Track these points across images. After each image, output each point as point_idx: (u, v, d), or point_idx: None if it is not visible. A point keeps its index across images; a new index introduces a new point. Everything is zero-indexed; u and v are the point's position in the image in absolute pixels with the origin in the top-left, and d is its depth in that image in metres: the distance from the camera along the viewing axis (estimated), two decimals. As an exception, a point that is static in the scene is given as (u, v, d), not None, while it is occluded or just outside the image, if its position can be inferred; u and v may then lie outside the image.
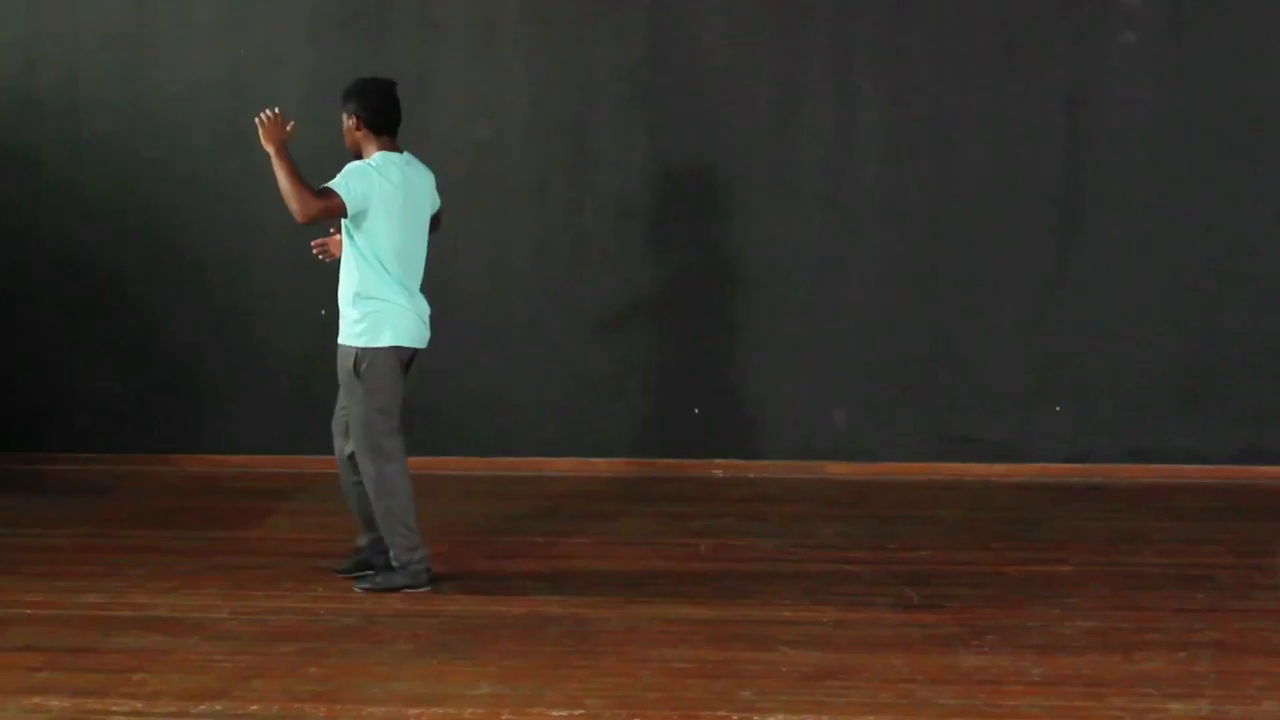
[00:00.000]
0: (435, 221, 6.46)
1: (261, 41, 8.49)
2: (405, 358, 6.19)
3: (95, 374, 8.69)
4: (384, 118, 6.16)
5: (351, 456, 6.27)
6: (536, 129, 8.50)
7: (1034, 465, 8.43)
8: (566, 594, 6.10)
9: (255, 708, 4.81)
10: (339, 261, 6.26)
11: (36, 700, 4.86)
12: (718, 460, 8.56)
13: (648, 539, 7.11)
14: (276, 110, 6.06)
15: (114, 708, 4.81)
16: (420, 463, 8.28)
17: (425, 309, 6.25)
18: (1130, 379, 8.44)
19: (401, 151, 6.20)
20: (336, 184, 5.96)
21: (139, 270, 8.62)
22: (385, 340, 6.08)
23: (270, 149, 5.98)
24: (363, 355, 6.07)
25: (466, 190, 8.43)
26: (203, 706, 4.81)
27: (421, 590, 6.12)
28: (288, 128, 6.04)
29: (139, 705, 4.83)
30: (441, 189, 8.06)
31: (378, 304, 6.07)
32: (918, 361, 8.51)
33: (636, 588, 6.20)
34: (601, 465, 8.54)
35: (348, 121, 6.17)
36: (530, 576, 6.38)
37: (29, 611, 5.84)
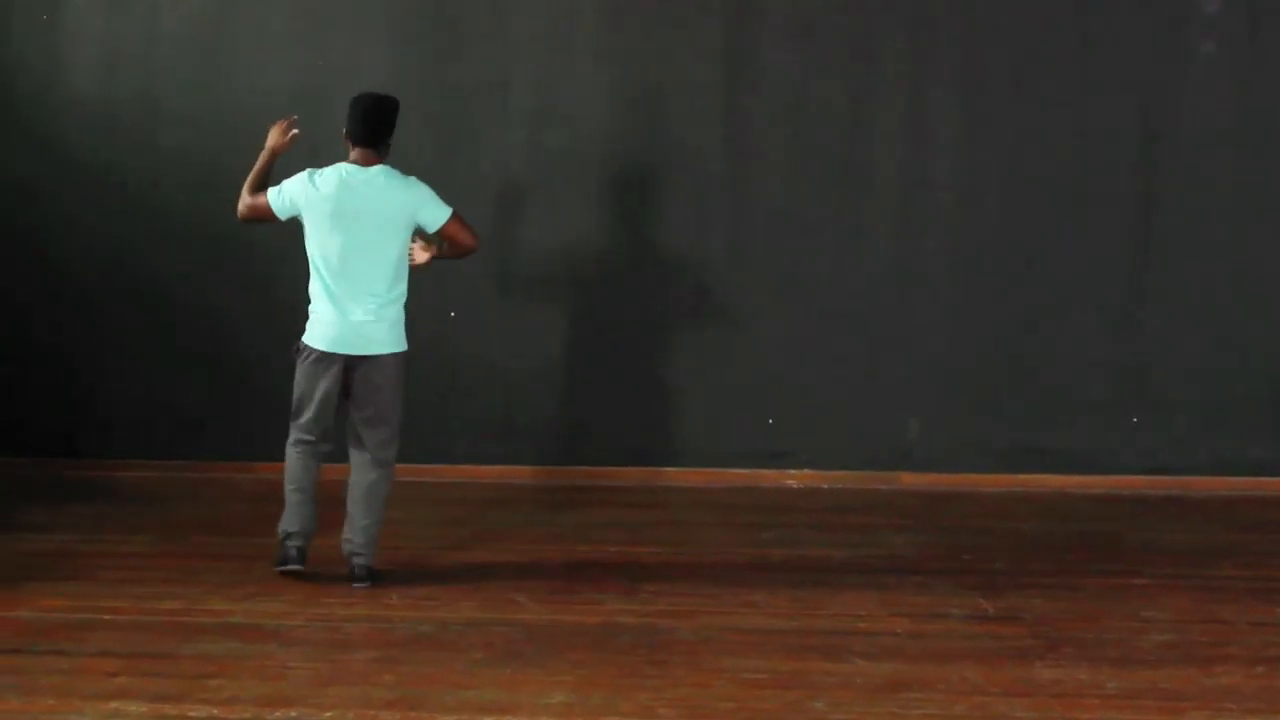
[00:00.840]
0: (454, 240, 6.51)
1: (337, 52, 8.53)
2: (332, 363, 6.32)
3: (173, 382, 8.76)
4: (359, 129, 6.38)
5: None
6: (611, 138, 8.52)
7: (1111, 477, 8.37)
8: (639, 603, 6.10)
9: (329, 715, 4.83)
10: (418, 268, 6.60)
11: (115, 705, 4.91)
12: (791, 471, 8.53)
13: (721, 549, 7.10)
14: (294, 118, 6.67)
15: (190, 713, 4.84)
16: (497, 471, 8.46)
17: (363, 317, 6.31)
18: (1209, 390, 8.36)
19: (371, 165, 6.33)
20: (274, 186, 6.38)
21: (215, 278, 8.67)
22: (310, 338, 6.39)
23: (266, 146, 6.59)
24: (299, 348, 6.42)
25: (540, 198, 8.48)
26: (278, 713, 4.85)
27: (281, 569, 6.35)
28: (288, 135, 6.60)
29: (215, 711, 4.86)
30: (513, 195, 8.14)
31: (313, 304, 6.42)
32: (993, 372, 8.46)
33: (709, 597, 6.19)
34: (673, 475, 8.53)
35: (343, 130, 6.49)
36: (603, 585, 6.37)
37: (108, 617, 5.89)
